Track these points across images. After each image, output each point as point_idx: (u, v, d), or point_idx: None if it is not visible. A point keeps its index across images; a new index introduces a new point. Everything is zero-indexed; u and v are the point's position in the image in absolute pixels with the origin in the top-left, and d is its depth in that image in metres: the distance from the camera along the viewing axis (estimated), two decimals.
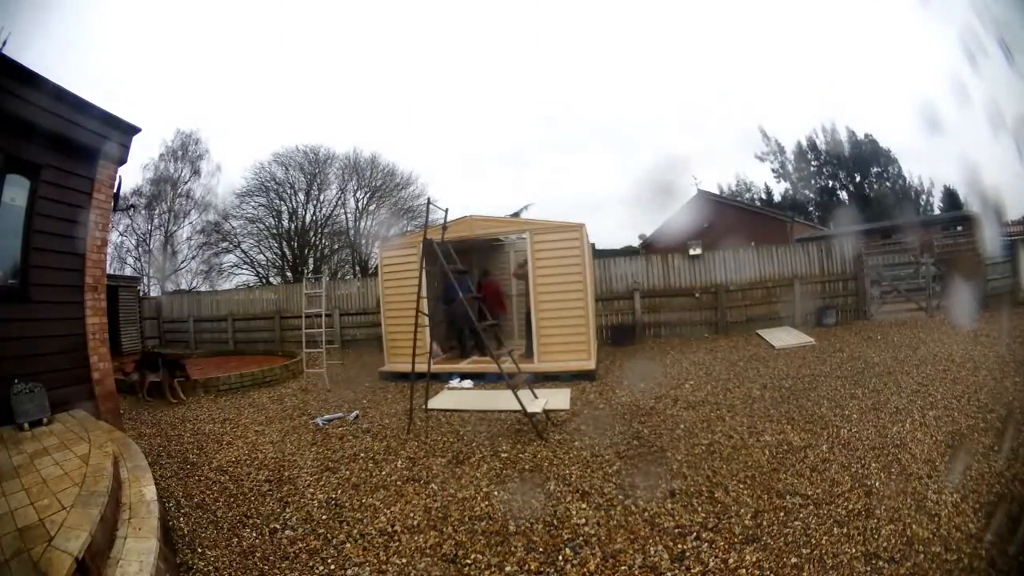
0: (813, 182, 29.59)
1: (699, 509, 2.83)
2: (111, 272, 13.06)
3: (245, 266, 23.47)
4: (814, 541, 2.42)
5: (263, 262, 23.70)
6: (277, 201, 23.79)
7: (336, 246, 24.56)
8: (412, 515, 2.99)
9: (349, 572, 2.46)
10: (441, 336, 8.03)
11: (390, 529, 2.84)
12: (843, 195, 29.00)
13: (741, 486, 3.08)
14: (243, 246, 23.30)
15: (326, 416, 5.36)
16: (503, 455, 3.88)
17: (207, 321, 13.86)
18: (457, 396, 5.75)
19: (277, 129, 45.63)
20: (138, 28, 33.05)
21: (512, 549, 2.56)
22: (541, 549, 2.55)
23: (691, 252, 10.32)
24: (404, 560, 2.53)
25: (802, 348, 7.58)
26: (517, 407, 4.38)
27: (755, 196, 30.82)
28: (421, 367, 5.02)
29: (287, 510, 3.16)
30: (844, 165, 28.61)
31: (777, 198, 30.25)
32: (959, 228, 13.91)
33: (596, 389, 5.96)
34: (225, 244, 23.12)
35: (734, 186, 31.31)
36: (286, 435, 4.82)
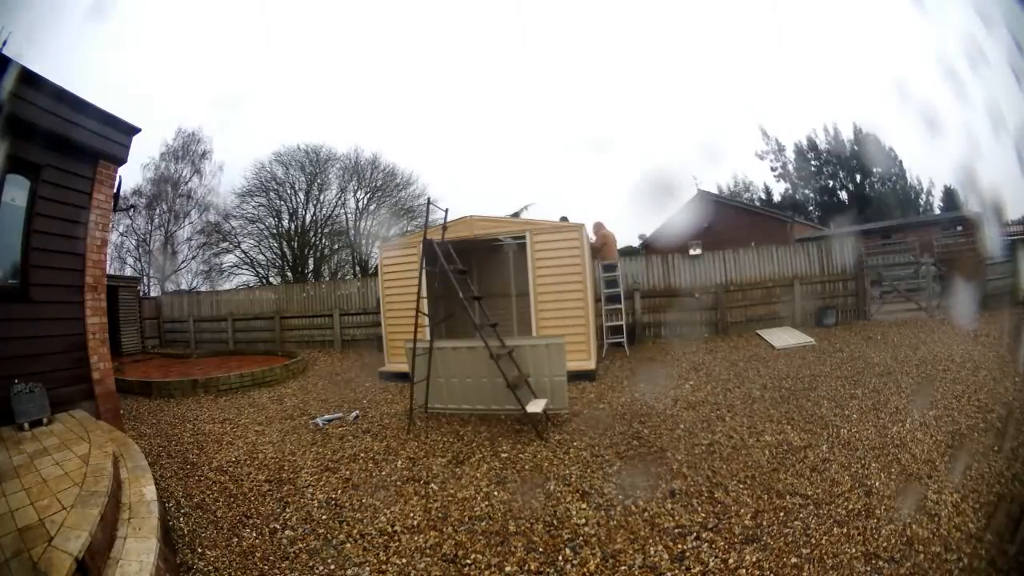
0: (813, 182, 29.57)
1: (699, 509, 2.83)
2: (111, 272, 13.06)
3: (245, 266, 23.49)
4: (814, 541, 2.42)
5: (263, 262, 23.71)
6: (277, 201, 23.79)
7: (336, 246, 24.56)
8: (412, 515, 2.99)
9: (349, 572, 2.46)
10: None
11: (390, 529, 2.84)
12: (843, 195, 28.99)
13: (741, 486, 3.08)
14: (243, 246, 23.33)
15: (326, 416, 5.37)
16: (503, 455, 3.89)
17: (207, 321, 13.85)
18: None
19: (278, 128, 45.61)
20: (139, 27, 33.05)
21: (512, 549, 2.56)
22: (541, 549, 2.55)
23: (691, 252, 10.32)
24: (404, 560, 2.53)
25: (802, 348, 7.58)
26: (517, 407, 4.38)
27: (754, 196, 30.81)
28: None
29: (287, 510, 3.16)
30: (845, 164, 28.59)
31: (777, 198, 30.26)
32: (959, 228, 13.92)
33: (596, 389, 5.96)
34: (225, 244, 23.13)
35: (733, 186, 31.29)
36: (286, 435, 4.82)
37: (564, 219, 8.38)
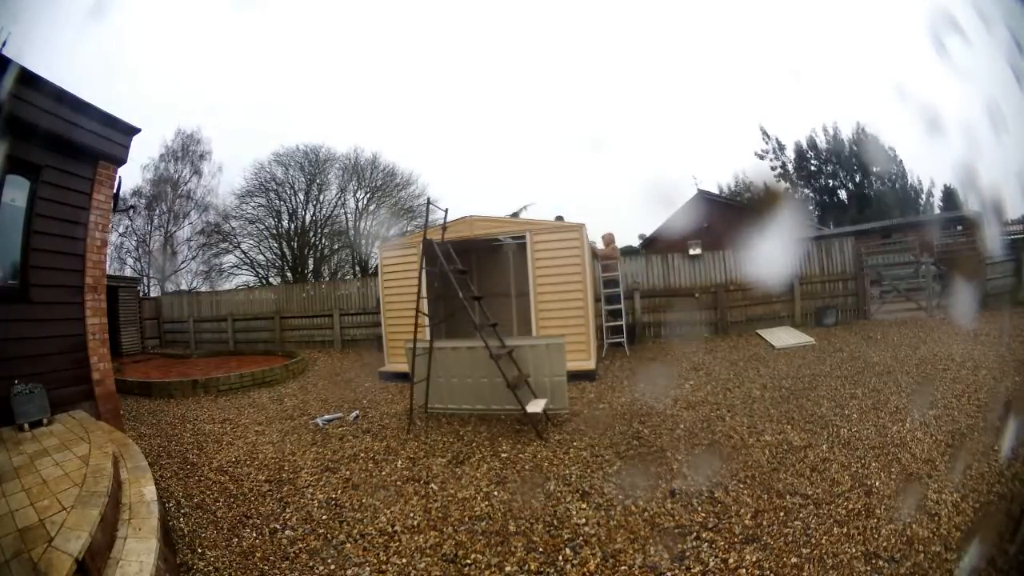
0: (813, 182, 29.53)
1: (699, 509, 2.83)
2: (111, 272, 13.06)
3: (245, 266, 23.48)
4: (814, 541, 2.42)
5: (263, 262, 23.70)
6: (277, 201, 23.78)
7: (336, 246, 24.55)
8: (412, 515, 2.99)
9: (349, 572, 2.46)
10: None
11: (390, 529, 2.84)
12: (843, 194, 28.97)
13: (741, 486, 3.08)
14: (243, 247, 23.32)
15: (326, 416, 5.37)
16: (503, 455, 3.89)
17: (207, 321, 13.85)
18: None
19: (278, 128, 45.51)
20: (139, 28, 33.05)
21: (512, 549, 2.56)
22: (541, 549, 2.55)
23: (691, 252, 10.31)
24: (404, 560, 2.53)
25: (802, 348, 7.58)
26: (517, 407, 4.38)
27: (755, 196, 30.72)
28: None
29: (287, 510, 3.16)
30: (845, 164, 28.54)
31: None
32: (959, 228, 13.91)
33: (596, 389, 5.96)
34: (225, 245, 23.13)
35: (733, 185, 31.24)
36: (286, 435, 4.82)
37: (560, 219, 8.38)
